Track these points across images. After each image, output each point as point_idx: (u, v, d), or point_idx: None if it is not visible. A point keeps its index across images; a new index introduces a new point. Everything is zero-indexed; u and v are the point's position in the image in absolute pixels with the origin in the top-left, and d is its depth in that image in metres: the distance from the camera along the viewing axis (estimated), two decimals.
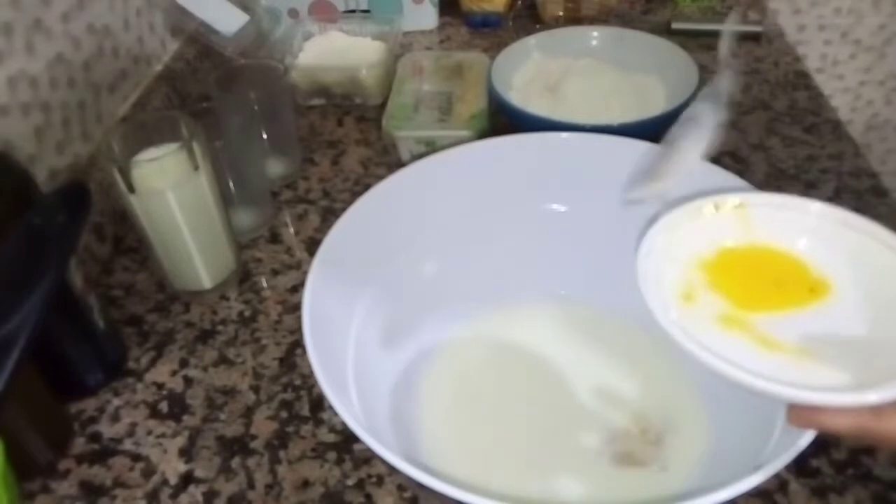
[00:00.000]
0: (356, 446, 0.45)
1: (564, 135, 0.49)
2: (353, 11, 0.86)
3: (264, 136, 0.64)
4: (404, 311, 0.47)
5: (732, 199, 0.38)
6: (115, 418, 0.48)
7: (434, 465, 0.41)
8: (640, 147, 0.46)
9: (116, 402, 0.49)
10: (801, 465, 0.43)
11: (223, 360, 0.52)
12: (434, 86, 0.72)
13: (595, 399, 0.45)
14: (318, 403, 0.48)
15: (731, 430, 0.40)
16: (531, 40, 0.72)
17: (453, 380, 0.46)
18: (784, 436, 0.33)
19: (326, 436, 0.46)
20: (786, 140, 0.68)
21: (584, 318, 0.49)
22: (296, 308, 0.55)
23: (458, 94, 0.70)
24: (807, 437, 0.31)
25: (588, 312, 0.49)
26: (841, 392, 0.29)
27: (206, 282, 0.56)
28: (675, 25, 0.84)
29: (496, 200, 0.49)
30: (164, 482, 0.44)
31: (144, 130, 0.52)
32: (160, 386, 0.50)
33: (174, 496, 0.44)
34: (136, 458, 0.46)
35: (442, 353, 0.48)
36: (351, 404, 0.36)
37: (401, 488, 0.43)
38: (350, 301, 0.43)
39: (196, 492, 0.44)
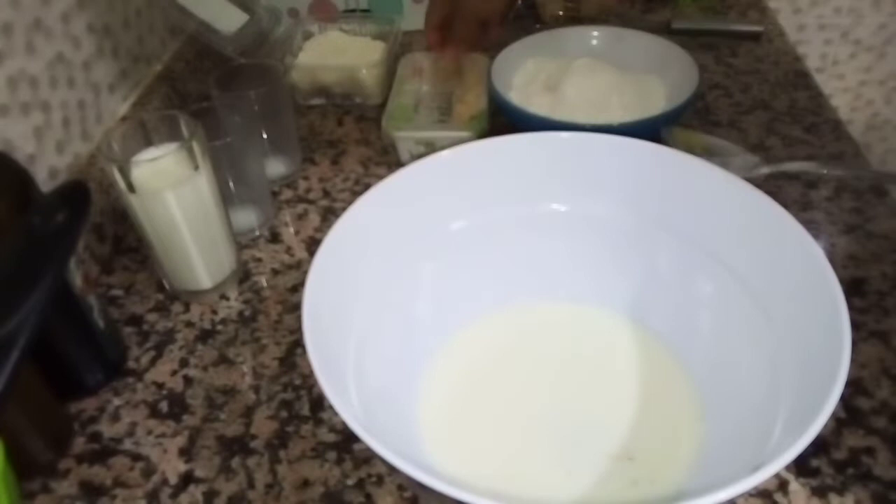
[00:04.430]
0: (356, 446, 0.45)
1: (564, 134, 0.49)
2: (353, 11, 0.86)
3: (264, 135, 0.65)
4: (404, 312, 0.47)
5: None
6: (115, 418, 0.48)
7: (434, 464, 0.41)
8: (640, 147, 0.46)
9: (116, 401, 0.49)
10: (801, 465, 0.43)
11: (223, 360, 0.52)
12: (434, 86, 0.72)
13: (593, 398, 0.45)
14: (318, 403, 0.48)
15: (730, 428, 0.40)
16: (531, 40, 0.72)
17: (453, 380, 0.46)
18: (784, 436, 0.33)
19: (326, 436, 0.46)
20: (786, 140, 0.68)
21: (583, 318, 0.49)
22: (296, 308, 0.55)
23: (458, 94, 0.70)
24: (807, 438, 0.31)
25: (587, 312, 0.49)
26: None
27: (206, 281, 0.56)
28: (675, 25, 0.84)
29: (496, 200, 0.49)
30: (164, 482, 0.44)
31: (144, 130, 0.52)
32: (160, 386, 0.50)
33: (174, 496, 0.44)
34: (136, 457, 0.46)
35: (442, 353, 0.48)
36: (351, 404, 0.36)
37: (401, 488, 0.43)
38: (350, 301, 0.43)
39: (196, 491, 0.44)
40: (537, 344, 0.49)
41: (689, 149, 0.50)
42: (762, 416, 0.36)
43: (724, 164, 0.49)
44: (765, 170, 0.57)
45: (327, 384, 0.33)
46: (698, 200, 0.45)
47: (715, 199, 0.44)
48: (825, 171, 0.55)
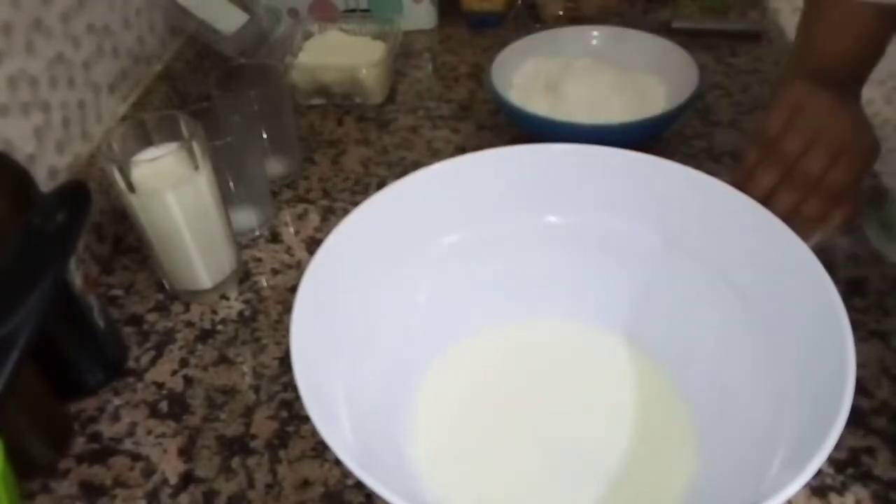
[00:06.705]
0: None
1: (560, 147, 0.47)
2: (353, 11, 0.86)
3: (264, 135, 0.65)
4: (395, 331, 0.45)
5: None
6: (115, 418, 0.48)
7: (425, 489, 0.40)
8: (635, 157, 0.45)
9: (116, 401, 0.49)
10: None
11: (223, 360, 0.52)
12: None
13: (589, 417, 0.44)
14: None
15: (726, 462, 0.39)
16: (531, 40, 0.72)
17: (448, 395, 0.46)
18: (781, 472, 0.32)
19: None
20: None
21: (578, 334, 0.48)
22: None
23: None
24: (803, 478, 0.29)
25: (583, 327, 0.48)
26: None
27: (206, 281, 0.56)
28: (675, 25, 0.84)
29: (491, 213, 0.47)
30: (164, 482, 0.44)
31: (144, 130, 0.52)
32: (160, 386, 0.50)
33: (174, 496, 0.44)
34: (136, 457, 0.46)
35: (437, 369, 0.47)
36: (339, 425, 0.35)
37: None
38: (340, 318, 0.41)
39: (196, 491, 0.44)
40: (532, 360, 0.48)
41: None
42: (759, 449, 0.35)
43: None
44: None
45: (320, 420, 0.32)
46: (705, 218, 0.44)
47: (731, 222, 0.43)
48: None
